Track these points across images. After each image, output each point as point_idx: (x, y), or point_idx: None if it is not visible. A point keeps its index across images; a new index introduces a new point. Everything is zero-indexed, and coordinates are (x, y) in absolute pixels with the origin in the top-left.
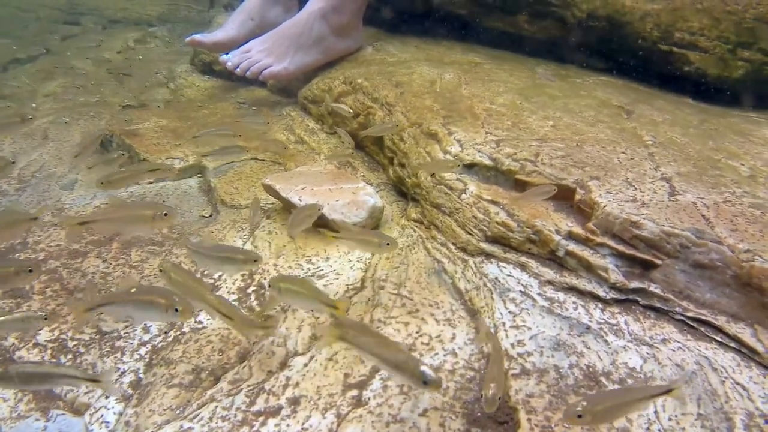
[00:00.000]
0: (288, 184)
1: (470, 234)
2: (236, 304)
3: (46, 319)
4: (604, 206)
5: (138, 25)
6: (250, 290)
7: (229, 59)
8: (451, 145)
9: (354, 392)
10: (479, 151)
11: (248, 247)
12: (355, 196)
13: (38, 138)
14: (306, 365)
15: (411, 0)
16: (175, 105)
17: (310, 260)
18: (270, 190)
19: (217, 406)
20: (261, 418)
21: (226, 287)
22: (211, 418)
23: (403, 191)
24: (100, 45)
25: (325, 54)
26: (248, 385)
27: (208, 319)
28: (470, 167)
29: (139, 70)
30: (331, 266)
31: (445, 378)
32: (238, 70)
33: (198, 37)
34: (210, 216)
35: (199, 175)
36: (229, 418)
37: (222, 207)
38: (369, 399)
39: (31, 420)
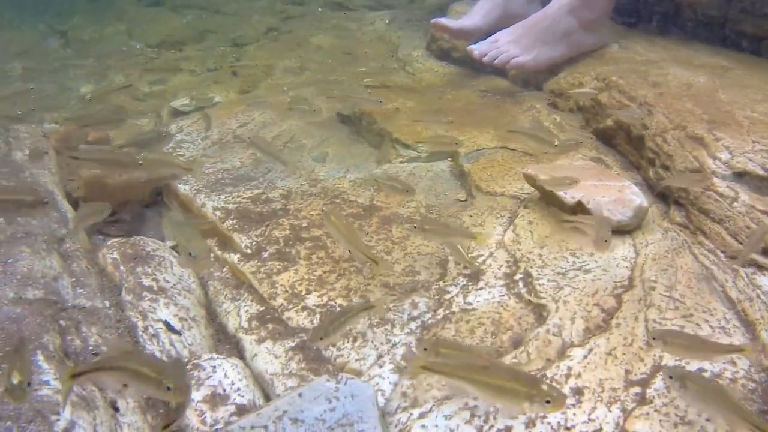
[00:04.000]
0: (551, 176)
1: (742, 244)
2: (504, 289)
3: None
4: None
5: (360, 10)
6: (516, 277)
7: (477, 48)
8: (720, 151)
9: (637, 389)
10: (750, 160)
11: (509, 235)
12: (621, 194)
13: (284, 110)
14: (585, 357)
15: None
16: (417, 88)
17: (575, 253)
18: (531, 180)
19: None
20: None
21: (492, 272)
22: None
23: (663, 193)
24: (329, 26)
25: (571, 49)
26: (529, 371)
27: (478, 301)
28: (740, 176)
29: (372, 52)
30: (596, 262)
31: (727, 388)
32: (485, 58)
33: (443, 21)
34: (465, 200)
35: (449, 159)
36: None
37: (477, 192)
38: (653, 398)
39: (322, 380)
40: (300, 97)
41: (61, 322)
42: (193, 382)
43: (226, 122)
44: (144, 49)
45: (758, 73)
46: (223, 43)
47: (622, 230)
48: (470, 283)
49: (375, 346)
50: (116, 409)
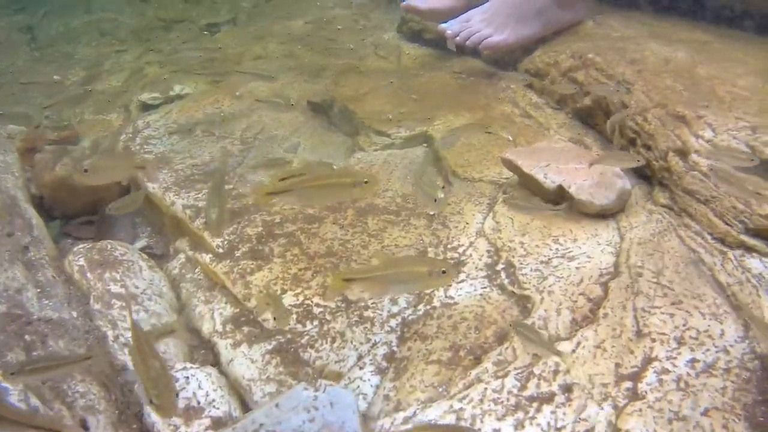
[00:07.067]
0: (531, 161)
1: (729, 225)
2: (486, 281)
3: None
4: None
5: None
6: (498, 267)
7: (449, 28)
8: (702, 129)
9: (628, 384)
10: (734, 138)
11: (489, 223)
12: (603, 176)
13: (253, 100)
14: (573, 351)
15: None
16: (389, 71)
17: (557, 240)
18: (510, 164)
19: (486, 388)
20: (535, 404)
21: (473, 263)
22: (482, 400)
23: (644, 173)
24: (299, 11)
25: (545, 26)
26: (515, 368)
27: (459, 294)
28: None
29: (344, 37)
30: (580, 248)
31: (720, 377)
32: (457, 39)
33: (414, 2)
34: (443, 187)
35: (424, 145)
36: (502, 402)
37: (454, 179)
38: (646, 393)
39: (300, 388)
40: (270, 87)
41: (27, 336)
42: None
43: (194, 115)
44: (112, 41)
45: (740, 47)
46: (192, 33)
47: (605, 214)
48: None
49: (354, 346)
50: (86, 429)
